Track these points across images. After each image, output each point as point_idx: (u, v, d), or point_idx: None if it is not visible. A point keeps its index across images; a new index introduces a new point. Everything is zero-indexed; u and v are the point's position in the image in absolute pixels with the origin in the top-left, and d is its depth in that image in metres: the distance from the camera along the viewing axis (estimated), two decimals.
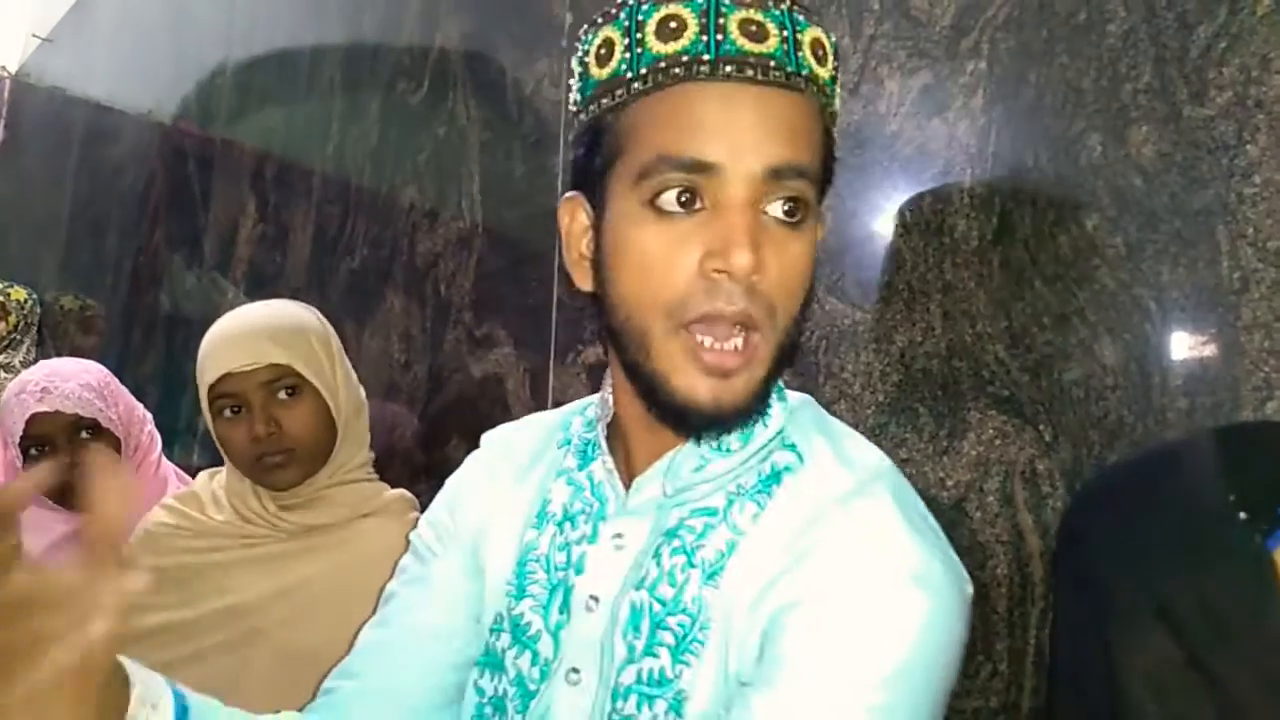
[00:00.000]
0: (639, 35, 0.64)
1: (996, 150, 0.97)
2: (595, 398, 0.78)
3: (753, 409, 0.64)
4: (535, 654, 0.72)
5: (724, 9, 0.63)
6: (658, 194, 0.62)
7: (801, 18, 0.64)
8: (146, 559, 1.18)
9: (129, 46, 3.53)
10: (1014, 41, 0.97)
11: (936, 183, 1.02)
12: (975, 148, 0.99)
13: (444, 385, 1.66)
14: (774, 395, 0.70)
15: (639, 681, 0.67)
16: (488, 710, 0.75)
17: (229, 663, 1.12)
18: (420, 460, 1.67)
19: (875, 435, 1.03)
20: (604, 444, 0.74)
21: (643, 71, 0.64)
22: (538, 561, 0.74)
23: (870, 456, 0.70)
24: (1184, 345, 0.84)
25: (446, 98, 1.76)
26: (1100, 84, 0.91)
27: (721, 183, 0.62)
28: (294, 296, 2.17)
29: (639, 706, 0.66)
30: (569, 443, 0.79)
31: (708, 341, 0.62)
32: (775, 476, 0.69)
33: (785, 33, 0.63)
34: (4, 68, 4.83)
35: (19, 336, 2.76)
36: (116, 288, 3.23)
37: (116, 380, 1.53)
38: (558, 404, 0.84)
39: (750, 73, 0.62)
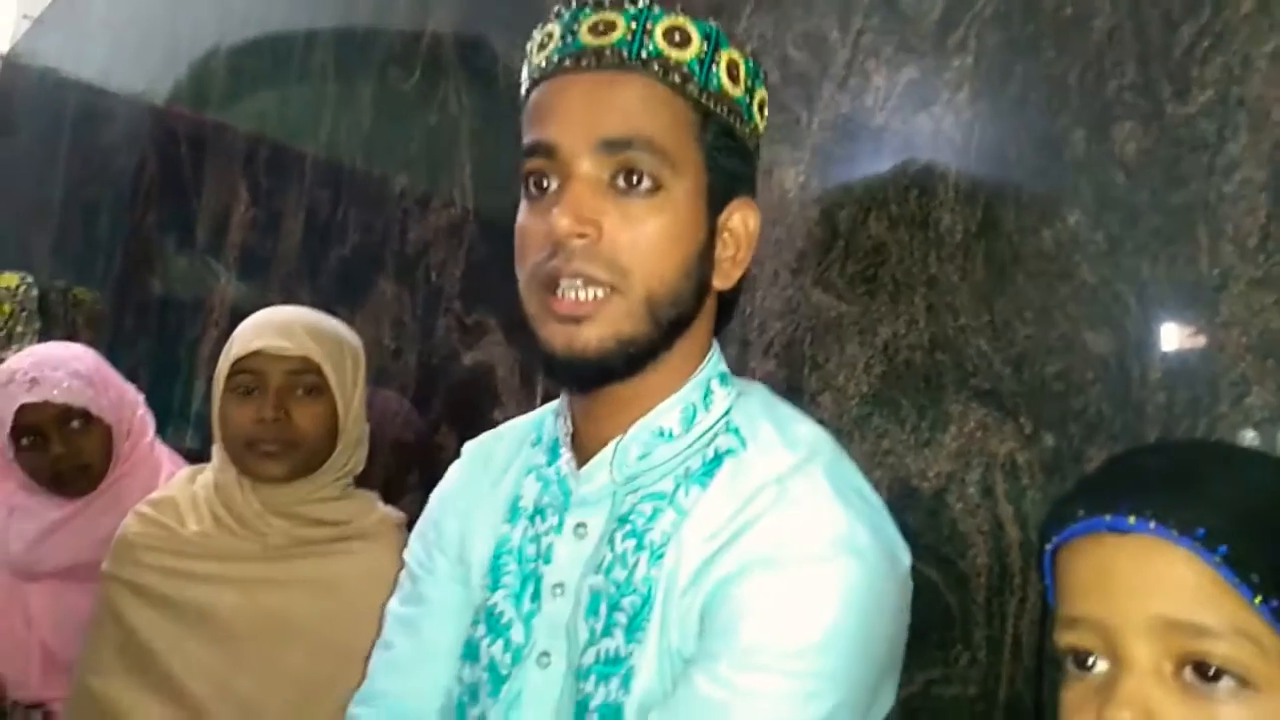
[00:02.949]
0: (530, 51, 0.75)
1: (981, 145, 0.98)
2: None
3: (614, 362, 0.69)
4: (508, 641, 0.75)
5: (582, 16, 0.71)
6: (525, 181, 0.72)
7: (659, 10, 0.71)
8: (124, 569, 1.17)
9: (121, 28, 3.51)
10: (1000, 36, 0.98)
11: (922, 177, 1.02)
12: (960, 142, 1.00)
13: (434, 373, 1.67)
14: (718, 381, 0.75)
15: (598, 661, 0.70)
16: (465, 699, 0.77)
17: (210, 685, 1.12)
18: (410, 447, 1.68)
19: (858, 426, 1.04)
20: (565, 438, 0.77)
21: (527, 84, 0.75)
22: (510, 554, 0.77)
23: (809, 435, 0.73)
24: (1163, 340, 0.85)
25: (438, 85, 1.76)
26: (1085, 80, 0.91)
27: (561, 162, 0.69)
28: (285, 283, 2.17)
29: (596, 685, 0.70)
30: (540, 440, 0.82)
31: (558, 293, 0.69)
32: (718, 460, 0.72)
33: (634, 25, 0.70)
34: None
35: (20, 327, 2.71)
36: (109, 271, 3.22)
37: (107, 365, 1.52)
38: (547, 394, 0.85)
39: (585, 62, 0.69)
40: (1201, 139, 0.84)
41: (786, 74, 1.16)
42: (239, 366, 1.15)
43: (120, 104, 3.38)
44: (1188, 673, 0.51)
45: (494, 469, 0.84)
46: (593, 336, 0.68)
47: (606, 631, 0.70)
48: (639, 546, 0.71)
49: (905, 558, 0.69)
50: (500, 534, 0.79)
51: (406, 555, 0.88)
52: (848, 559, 0.64)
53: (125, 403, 1.51)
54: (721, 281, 0.75)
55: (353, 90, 2.02)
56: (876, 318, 1.04)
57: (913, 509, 0.98)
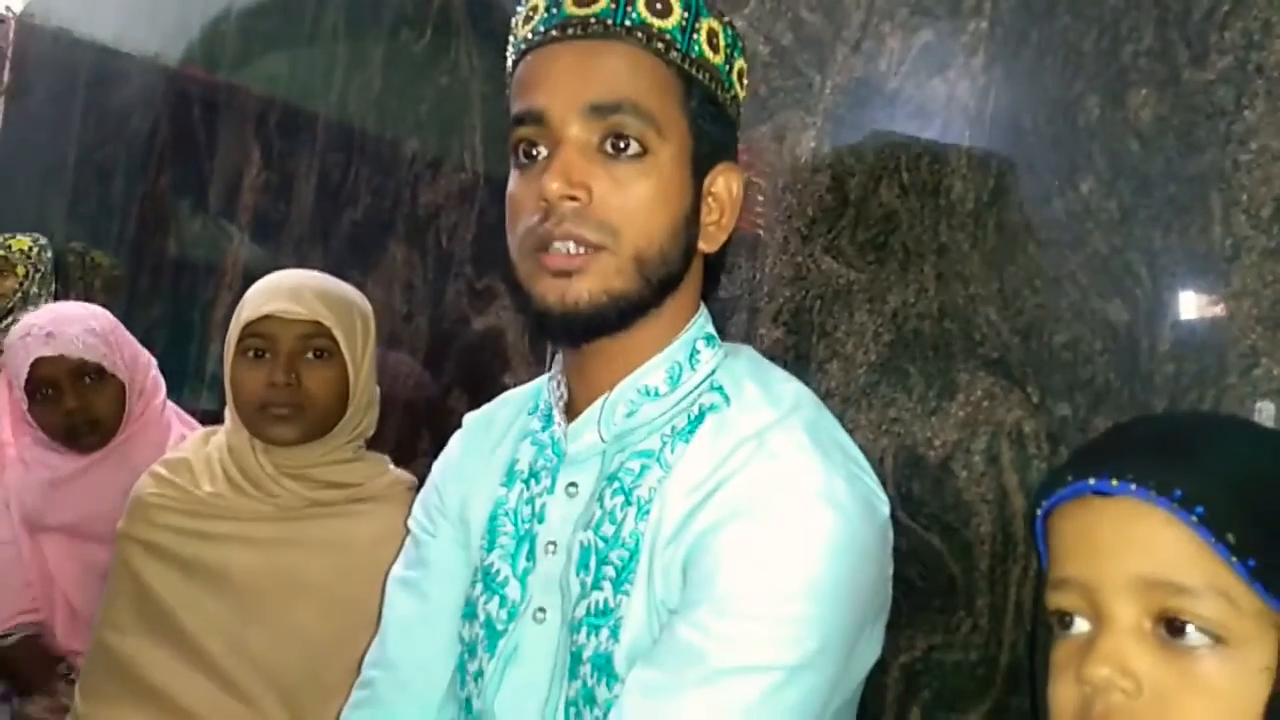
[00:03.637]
0: (515, 24, 0.77)
1: (995, 111, 0.97)
2: None
3: (606, 315, 0.71)
4: (503, 598, 0.78)
5: None
6: (514, 151, 0.74)
7: None
8: (139, 528, 1.19)
9: None
10: (1016, 0, 0.96)
11: (934, 143, 1.01)
12: (974, 108, 0.98)
13: (445, 337, 1.67)
14: (704, 342, 0.77)
15: (589, 613, 0.72)
16: (465, 656, 0.79)
17: (225, 642, 1.14)
18: (421, 411, 1.69)
19: (866, 394, 1.04)
20: (558, 402, 0.79)
21: (513, 56, 0.77)
22: (506, 515, 0.80)
23: (791, 393, 0.75)
24: (1173, 310, 0.85)
25: (449, 47, 1.75)
26: (1101, 45, 0.90)
27: (549, 129, 0.71)
28: (298, 246, 2.17)
29: (588, 636, 0.72)
30: (537, 408, 0.84)
31: (550, 250, 0.71)
32: (701, 416, 0.74)
33: None
34: (9, 8, 4.79)
35: (35, 288, 2.73)
36: (123, 233, 3.23)
37: (121, 325, 1.54)
38: (555, 358, 0.86)
39: (570, 31, 0.72)
40: (1219, 106, 0.82)
41: (800, 36, 1.15)
42: (249, 330, 1.15)
43: (134, 65, 3.37)
44: (1164, 630, 0.52)
45: (493, 436, 0.86)
46: (584, 289, 0.70)
47: (596, 584, 0.73)
48: (627, 502, 0.73)
49: (883, 508, 0.71)
50: (497, 497, 0.81)
51: (410, 522, 0.90)
52: (825, 508, 0.66)
53: (139, 363, 1.54)
54: (707, 244, 0.76)
55: (364, 51, 2.01)
56: (886, 286, 1.04)
57: (919, 477, 0.98)
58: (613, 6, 0.72)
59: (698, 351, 0.76)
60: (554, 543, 0.76)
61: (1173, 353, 0.84)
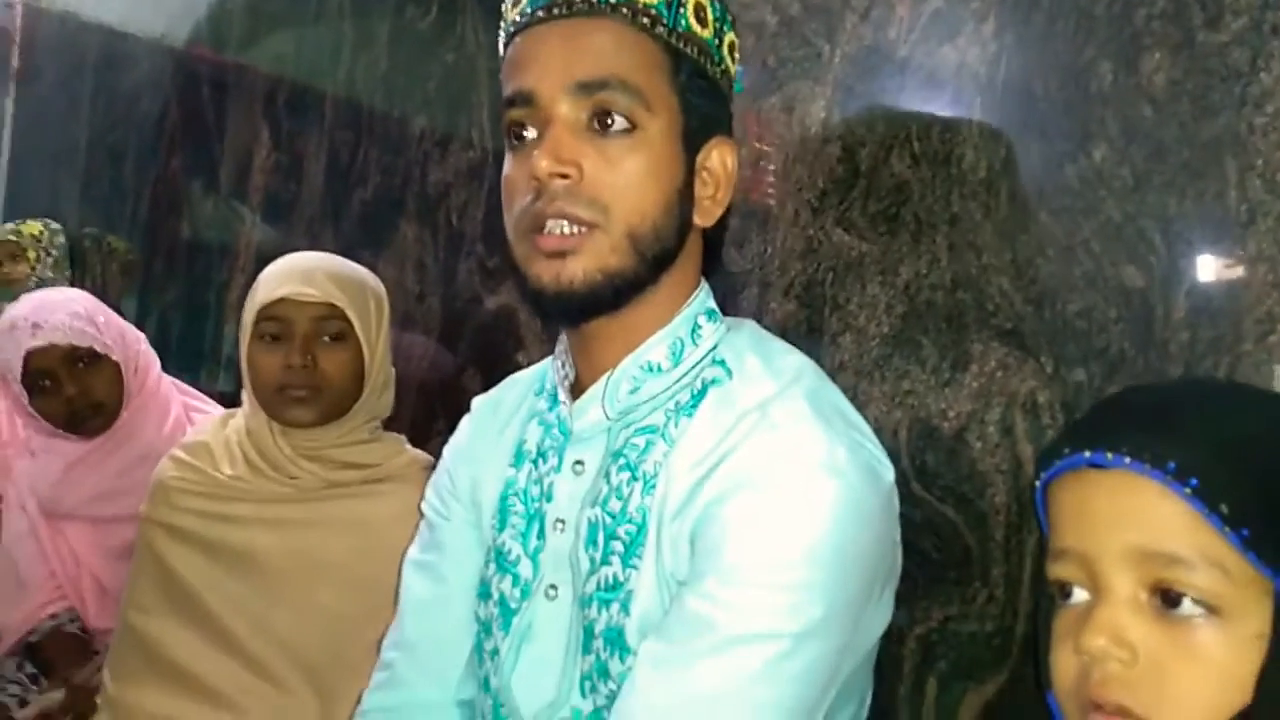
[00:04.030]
0: (505, 8, 0.77)
1: (1006, 78, 0.96)
2: None
3: (602, 294, 0.71)
4: (516, 576, 0.79)
5: None
6: (507, 133, 0.75)
7: None
8: (161, 512, 1.21)
9: None
10: None
11: (945, 112, 1.00)
12: (985, 76, 0.97)
13: (458, 316, 1.68)
14: (706, 317, 0.77)
15: (599, 588, 0.73)
16: (481, 635, 0.81)
17: (248, 622, 1.15)
18: (435, 390, 1.70)
19: (879, 367, 1.04)
20: (563, 382, 0.80)
21: (503, 40, 0.78)
22: (516, 495, 0.81)
23: (793, 364, 0.75)
24: (1188, 277, 0.84)
25: (455, 24, 1.74)
26: (1113, 9, 0.88)
27: (538, 109, 0.72)
28: (309, 226, 2.18)
29: (599, 611, 0.73)
30: (544, 389, 0.84)
31: (544, 231, 0.71)
32: (704, 390, 0.75)
33: None
34: None
35: (48, 273, 2.74)
36: (136, 216, 3.25)
37: (104, 305, 1.54)
38: (560, 338, 0.87)
39: (557, 11, 0.72)
40: (1234, 69, 0.81)
41: (808, 5, 1.14)
42: (264, 314, 1.16)
43: (142, 47, 3.36)
44: (1160, 600, 0.53)
45: (501, 418, 0.87)
46: (579, 269, 0.71)
47: (605, 560, 0.73)
48: (633, 478, 0.74)
49: (887, 474, 0.71)
50: (506, 477, 0.82)
51: (424, 506, 0.91)
52: (827, 476, 0.66)
53: (128, 339, 1.54)
54: (703, 219, 0.76)
55: (370, 29, 2.00)
56: (898, 257, 1.03)
57: (933, 448, 0.99)
58: None
59: (699, 327, 0.77)
60: (562, 520, 0.77)
61: (1188, 320, 0.83)
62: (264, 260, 1.27)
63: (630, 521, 0.73)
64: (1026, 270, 0.93)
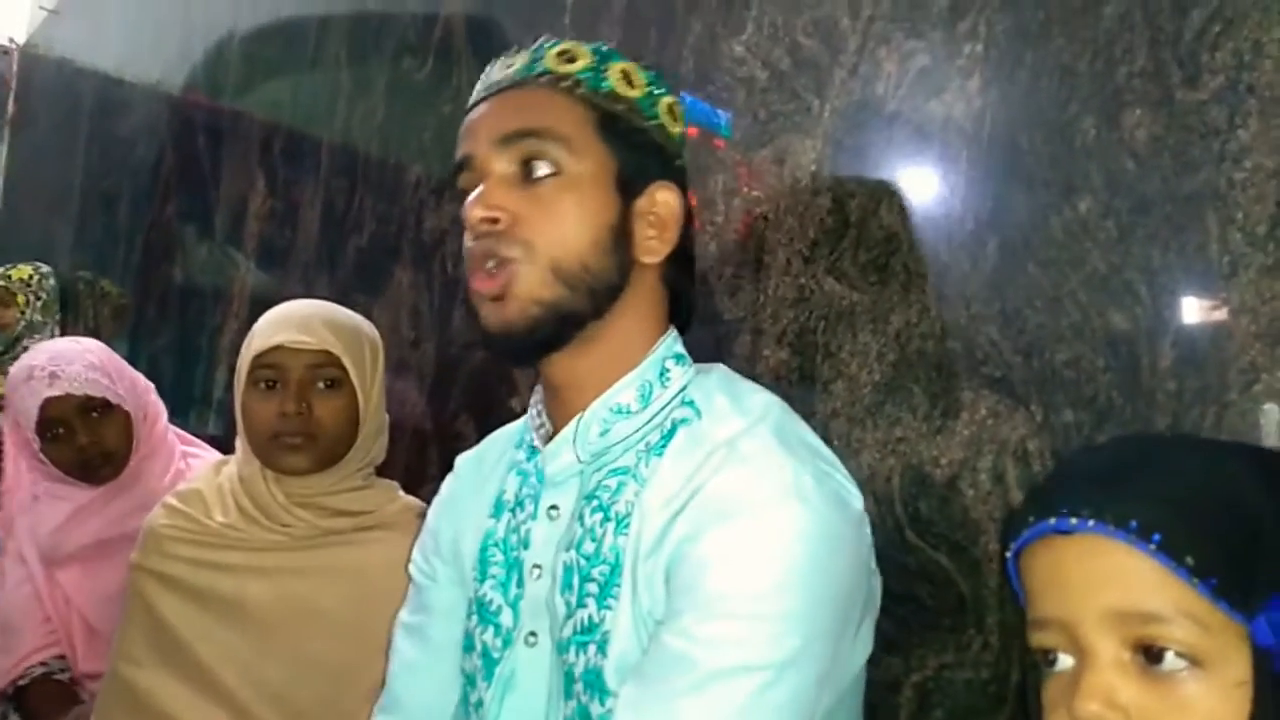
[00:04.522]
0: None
1: (992, 133, 0.98)
2: None
3: (543, 326, 0.74)
4: (498, 626, 0.80)
5: (498, 61, 0.81)
6: (461, 201, 0.79)
7: (554, 40, 0.80)
8: (152, 559, 1.21)
9: (136, 16, 3.53)
10: (1010, 23, 0.98)
11: (933, 165, 1.03)
12: (971, 130, 1.00)
13: (452, 362, 1.69)
14: (674, 361, 0.79)
15: (576, 632, 0.74)
16: (467, 688, 0.81)
17: (240, 673, 1.14)
18: (429, 435, 1.70)
19: (871, 414, 1.05)
20: (536, 431, 0.82)
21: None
22: (496, 546, 0.82)
23: (760, 402, 0.77)
24: (1173, 328, 0.85)
25: (451, 75, 1.77)
26: (1095, 67, 0.91)
27: (476, 170, 0.77)
28: (304, 273, 2.19)
29: (577, 654, 0.73)
30: (523, 442, 0.86)
31: (477, 275, 0.76)
32: (673, 430, 0.76)
33: (531, 55, 0.79)
34: (12, 40, 4.83)
35: (38, 316, 2.75)
36: (129, 260, 3.26)
37: (117, 356, 1.58)
38: (535, 389, 0.88)
39: (492, 91, 0.79)
40: (1212, 125, 0.83)
41: (797, 61, 1.17)
42: (260, 361, 1.17)
43: (137, 94, 3.40)
44: (1143, 658, 0.54)
45: (483, 472, 0.89)
46: (514, 308, 0.74)
47: (580, 602, 0.74)
48: (605, 519, 0.75)
49: (856, 502, 0.72)
50: (486, 528, 0.84)
51: (410, 567, 0.93)
52: (794, 504, 0.67)
53: (139, 389, 1.57)
54: (647, 256, 0.79)
55: (366, 79, 2.03)
56: (888, 306, 1.05)
57: (926, 496, 0.99)
58: (525, 63, 0.79)
59: (667, 370, 0.79)
60: (539, 566, 0.78)
61: (1174, 369, 0.84)
62: (258, 305, 1.28)
63: (604, 562, 0.74)
64: (1015, 320, 0.95)
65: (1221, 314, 0.82)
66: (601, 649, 0.72)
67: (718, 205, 1.24)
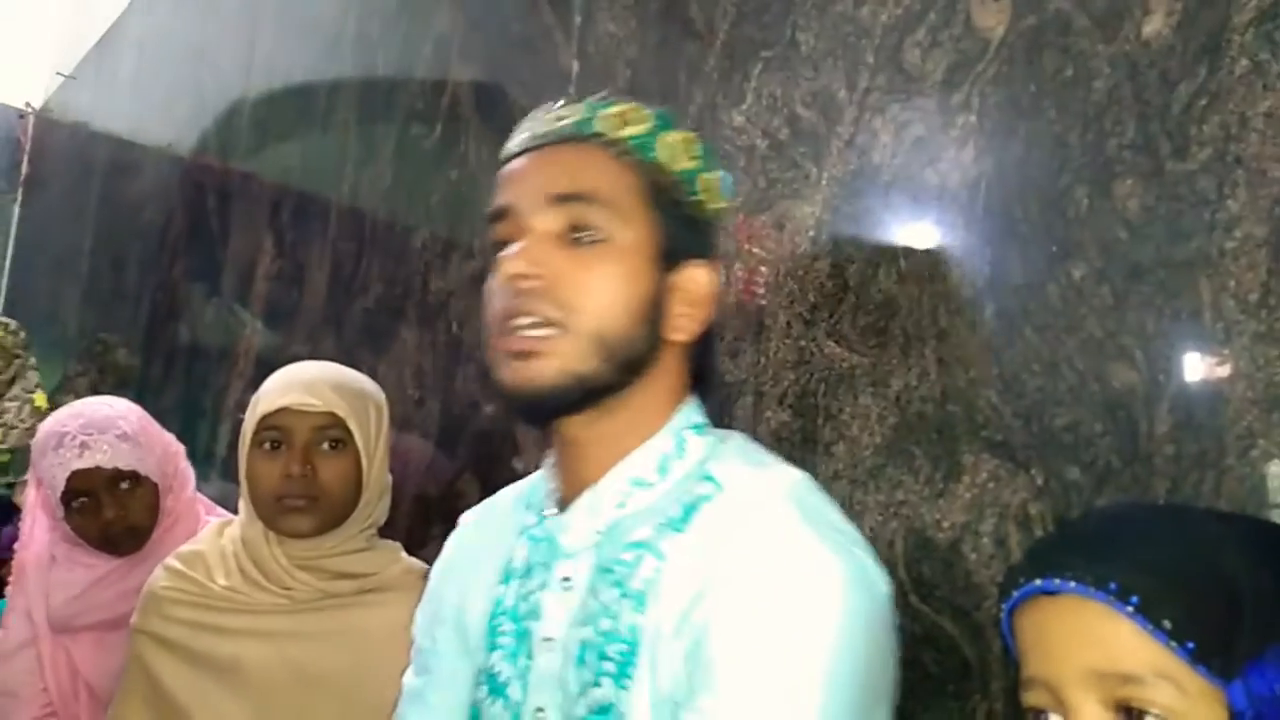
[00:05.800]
0: (506, 148, 0.82)
1: (987, 202, 1.00)
2: None
3: (569, 394, 0.73)
4: (507, 699, 0.78)
5: (548, 111, 0.80)
6: (493, 250, 0.78)
7: (611, 100, 0.79)
8: (152, 622, 1.20)
9: (150, 83, 3.61)
10: (1003, 96, 1.00)
11: (929, 231, 1.05)
12: (966, 198, 1.02)
13: (456, 422, 1.69)
14: (692, 431, 0.78)
15: (589, 711, 0.72)
16: None
17: None
18: (432, 495, 1.71)
19: (873, 477, 1.05)
20: (550, 495, 0.81)
21: (499, 171, 0.82)
22: (505, 615, 0.81)
23: (782, 477, 0.75)
24: (1169, 393, 0.86)
25: (459, 141, 1.81)
26: (1086, 139, 0.94)
27: (516, 222, 0.76)
28: (311, 333, 2.22)
29: None
30: (531, 504, 0.85)
31: (511, 333, 0.74)
32: (695, 505, 0.75)
33: (586, 112, 0.78)
34: (28, 104, 4.94)
35: (17, 369, 2.77)
36: (136, 319, 3.29)
37: (150, 418, 1.54)
38: (548, 452, 0.89)
39: (539, 143, 0.78)
40: (1202, 195, 0.85)
41: (796, 131, 1.19)
42: (265, 423, 1.18)
43: (148, 157, 3.46)
44: (1125, 719, 0.55)
45: (488, 535, 0.87)
46: (544, 369, 0.72)
47: (595, 681, 0.72)
48: (623, 595, 0.73)
49: (882, 585, 0.71)
50: (495, 596, 0.82)
51: (414, 632, 0.92)
52: (822, 590, 0.67)
53: (169, 457, 1.53)
54: (677, 334, 0.78)
55: (375, 145, 2.08)
56: (888, 369, 1.06)
57: (928, 559, 0.99)
58: (577, 121, 0.78)
59: (685, 440, 0.78)
60: (550, 639, 0.77)
61: (1172, 434, 0.85)
62: (264, 365, 1.30)
63: (621, 641, 0.72)
64: (1014, 384, 0.96)
65: (1217, 379, 0.83)
66: None
67: (718, 269, 1.26)
